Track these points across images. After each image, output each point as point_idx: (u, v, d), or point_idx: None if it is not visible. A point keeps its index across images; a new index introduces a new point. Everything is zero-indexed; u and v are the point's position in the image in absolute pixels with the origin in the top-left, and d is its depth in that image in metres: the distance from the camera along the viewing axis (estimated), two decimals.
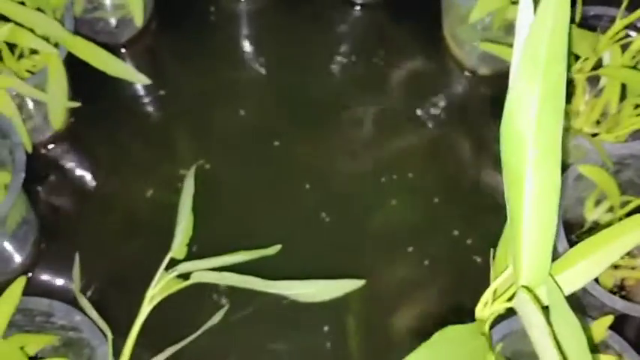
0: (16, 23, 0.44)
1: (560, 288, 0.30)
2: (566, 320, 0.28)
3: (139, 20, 0.47)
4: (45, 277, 0.53)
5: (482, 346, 0.29)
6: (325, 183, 0.59)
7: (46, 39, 0.46)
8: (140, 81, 0.46)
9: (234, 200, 0.57)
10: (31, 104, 0.52)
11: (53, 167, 0.57)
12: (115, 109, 0.60)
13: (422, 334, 0.27)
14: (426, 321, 0.54)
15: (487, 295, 0.31)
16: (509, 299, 0.31)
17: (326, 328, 0.52)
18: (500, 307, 0.30)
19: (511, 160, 0.29)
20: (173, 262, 0.43)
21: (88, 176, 0.58)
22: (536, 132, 0.28)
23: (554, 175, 0.28)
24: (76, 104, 0.48)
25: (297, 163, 0.60)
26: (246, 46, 0.66)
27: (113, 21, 0.61)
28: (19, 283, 0.40)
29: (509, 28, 0.58)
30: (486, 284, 0.41)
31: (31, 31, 0.44)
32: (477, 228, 0.58)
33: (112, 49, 0.55)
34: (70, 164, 0.58)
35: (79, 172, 0.58)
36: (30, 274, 0.53)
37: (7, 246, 0.49)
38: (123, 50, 0.63)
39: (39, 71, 0.49)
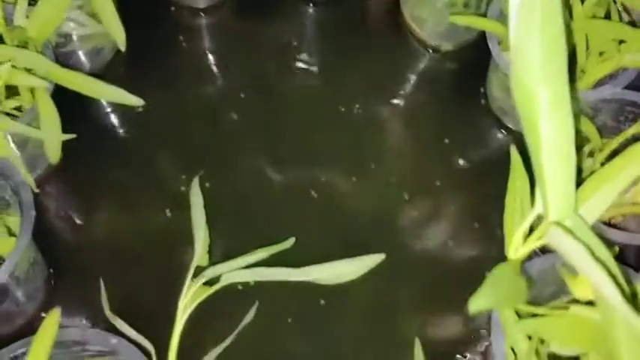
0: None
1: (583, 220, 0.32)
2: (594, 248, 0.31)
3: (121, 45, 0.48)
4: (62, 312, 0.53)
5: (523, 283, 0.31)
6: (313, 172, 0.61)
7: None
8: (134, 103, 0.47)
9: (234, 211, 0.58)
10: (13, 146, 0.52)
11: (47, 205, 0.57)
12: (96, 138, 0.60)
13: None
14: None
15: (517, 238, 0.33)
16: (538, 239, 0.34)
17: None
18: (533, 245, 0.33)
19: (525, 109, 0.31)
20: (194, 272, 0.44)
21: (82, 209, 0.58)
22: (543, 77, 0.30)
23: (566, 115, 0.30)
24: (72, 136, 0.48)
25: (285, 163, 0.61)
26: (213, 59, 0.67)
27: (82, 54, 0.61)
28: (54, 317, 0.40)
29: (469, 3, 0.61)
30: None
31: (27, 69, 0.44)
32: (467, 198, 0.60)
33: None
34: (63, 199, 0.58)
35: (73, 205, 0.58)
36: (46, 314, 0.53)
37: (22, 289, 0.49)
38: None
39: (27, 110, 0.49)
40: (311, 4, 0.70)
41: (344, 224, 0.58)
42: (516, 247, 0.33)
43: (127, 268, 0.55)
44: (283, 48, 0.68)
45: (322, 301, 0.54)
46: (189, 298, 0.43)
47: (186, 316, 0.43)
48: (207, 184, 0.57)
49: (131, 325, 0.44)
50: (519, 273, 0.31)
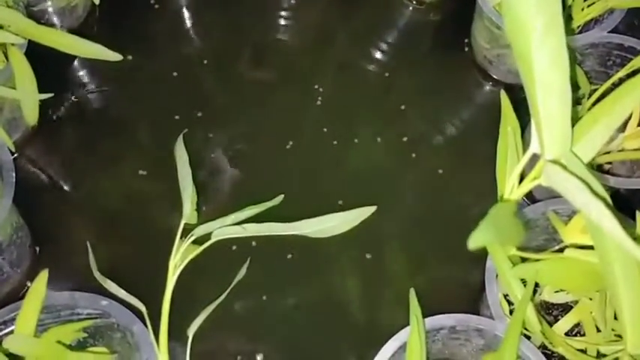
0: None
1: (579, 158, 0.32)
2: (591, 186, 0.30)
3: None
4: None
5: (520, 224, 0.31)
6: (299, 128, 0.60)
7: None
8: (112, 58, 0.45)
9: (220, 170, 0.57)
10: None
11: (28, 169, 0.56)
12: (73, 99, 0.59)
13: None
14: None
15: (512, 179, 0.33)
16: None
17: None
18: (528, 186, 0.32)
19: (517, 40, 0.30)
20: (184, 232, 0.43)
21: (64, 172, 0.57)
22: (536, 5, 0.29)
23: (561, 46, 0.30)
24: (49, 95, 0.47)
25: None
26: (189, 15, 0.65)
27: (54, 12, 0.59)
28: (42, 280, 0.39)
29: None
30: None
31: None
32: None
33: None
34: (44, 163, 0.56)
35: (55, 169, 0.56)
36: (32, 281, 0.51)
37: (7, 254, 0.48)
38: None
39: (1, 70, 0.47)
40: None
41: (335, 180, 0.57)
42: (511, 188, 0.32)
43: (113, 231, 0.54)
44: (264, 19, 0.66)
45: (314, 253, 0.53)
46: (179, 257, 0.42)
47: (177, 275, 0.42)
48: (191, 143, 0.55)
49: (121, 286, 0.43)
50: (516, 214, 0.31)
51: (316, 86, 0.62)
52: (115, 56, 0.45)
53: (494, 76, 0.64)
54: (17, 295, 0.51)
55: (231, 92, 0.61)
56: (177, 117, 0.59)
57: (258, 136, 0.59)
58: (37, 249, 0.53)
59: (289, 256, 0.53)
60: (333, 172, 0.58)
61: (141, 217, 0.54)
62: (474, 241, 0.24)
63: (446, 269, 0.55)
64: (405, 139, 0.60)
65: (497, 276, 0.43)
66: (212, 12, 0.66)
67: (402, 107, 0.62)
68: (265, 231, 0.42)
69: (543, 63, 0.30)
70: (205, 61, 0.62)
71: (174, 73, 0.61)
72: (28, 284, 0.51)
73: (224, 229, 0.42)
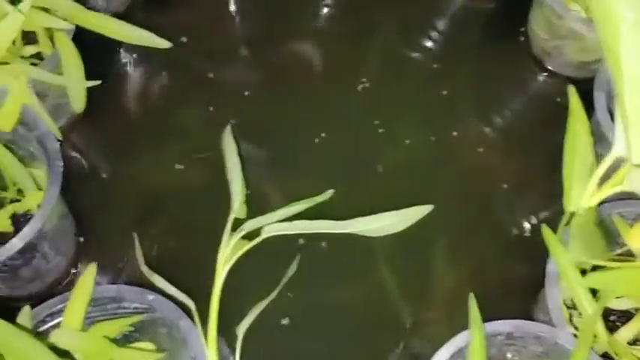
0: None
1: None
2: None
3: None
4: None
5: (600, 233, 0.29)
6: (349, 123, 0.58)
7: None
8: (160, 45, 0.44)
9: (270, 162, 0.55)
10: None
11: (73, 156, 0.55)
12: (119, 85, 0.57)
13: None
14: None
15: (592, 186, 0.31)
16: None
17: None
18: (611, 191, 0.30)
19: (605, 33, 0.28)
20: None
21: (110, 159, 0.55)
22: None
23: None
24: (96, 82, 0.46)
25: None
26: (235, 13, 0.64)
27: None
28: (90, 273, 0.38)
29: None
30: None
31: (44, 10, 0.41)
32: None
33: None
34: (89, 150, 0.56)
35: (100, 156, 0.56)
36: (76, 270, 0.51)
37: (52, 243, 0.47)
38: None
39: (48, 57, 0.46)
40: None
41: (385, 177, 0.55)
42: (590, 195, 0.30)
43: (158, 222, 0.52)
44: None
45: (364, 252, 0.51)
46: (229, 252, 0.41)
47: (226, 271, 0.41)
48: (239, 134, 0.54)
49: (167, 280, 0.42)
50: (597, 222, 0.29)
51: (362, 78, 0.60)
52: (163, 43, 0.44)
53: (551, 68, 0.61)
54: (61, 283, 0.50)
55: (273, 81, 0.59)
56: (221, 107, 0.57)
57: (299, 127, 0.57)
58: (82, 239, 0.52)
59: (336, 253, 0.51)
60: (379, 167, 0.56)
61: (185, 208, 0.53)
62: (558, 259, 0.22)
63: (496, 270, 0.52)
64: (454, 133, 0.58)
65: (558, 280, 0.41)
66: None
67: (452, 100, 0.59)
68: (316, 228, 0.40)
69: (633, 56, 0.28)
70: (247, 51, 0.61)
71: (219, 60, 0.60)
72: (73, 271, 0.51)
73: (274, 225, 0.41)
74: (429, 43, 0.63)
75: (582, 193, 0.36)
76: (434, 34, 0.63)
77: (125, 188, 0.53)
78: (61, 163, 0.43)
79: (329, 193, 0.45)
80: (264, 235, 0.40)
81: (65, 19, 0.42)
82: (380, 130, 0.57)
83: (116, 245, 0.51)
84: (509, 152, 0.57)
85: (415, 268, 0.51)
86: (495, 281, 0.52)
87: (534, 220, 0.54)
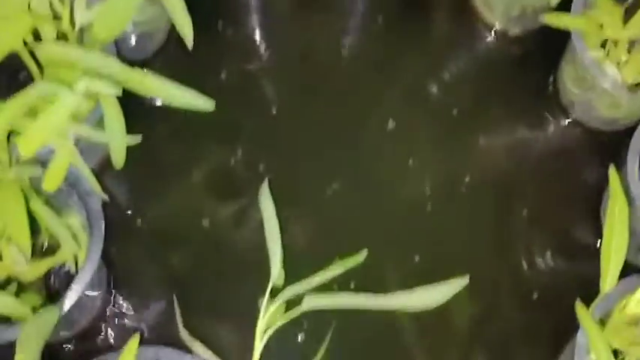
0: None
1: None
2: None
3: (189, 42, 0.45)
4: (122, 320, 0.52)
5: None
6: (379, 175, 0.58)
7: None
8: (204, 107, 0.44)
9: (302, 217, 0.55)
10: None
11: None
12: (151, 131, 0.57)
13: None
14: None
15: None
16: None
17: None
18: None
19: None
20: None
21: (142, 207, 0.56)
22: None
23: None
24: (137, 140, 0.46)
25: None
26: (258, 36, 0.64)
27: (133, 39, 0.58)
28: (134, 342, 0.39)
29: None
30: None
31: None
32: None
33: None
34: (120, 195, 0.56)
35: (131, 202, 0.56)
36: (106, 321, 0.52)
37: (89, 293, 0.48)
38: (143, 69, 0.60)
39: (91, 111, 0.46)
40: None
41: (417, 234, 0.55)
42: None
43: (191, 276, 0.53)
44: (337, 28, 0.64)
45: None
46: (267, 321, 0.41)
47: (264, 340, 0.41)
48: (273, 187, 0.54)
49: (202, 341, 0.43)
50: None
51: (381, 117, 0.60)
52: (207, 104, 0.44)
53: (579, 120, 0.61)
54: (88, 333, 0.51)
55: (295, 119, 0.59)
56: (253, 154, 0.57)
57: (323, 169, 0.57)
58: (112, 284, 0.52)
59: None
60: (404, 214, 0.56)
61: (223, 263, 0.53)
62: (591, 338, 0.23)
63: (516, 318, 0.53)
64: (477, 178, 0.58)
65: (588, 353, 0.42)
66: (281, 29, 0.63)
67: (476, 144, 0.60)
68: (357, 304, 0.41)
69: None
70: (279, 100, 0.60)
71: (250, 109, 0.59)
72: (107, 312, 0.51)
73: (315, 298, 0.41)
74: (451, 85, 0.62)
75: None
76: (464, 76, 0.63)
77: (159, 238, 0.54)
78: (103, 224, 0.44)
79: (363, 255, 0.46)
80: (304, 307, 0.41)
81: (111, 83, 0.42)
82: (402, 175, 0.58)
83: (149, 297, 0.51)
84: (534, 198, 0.58)
85: (439, 328, 0.52)
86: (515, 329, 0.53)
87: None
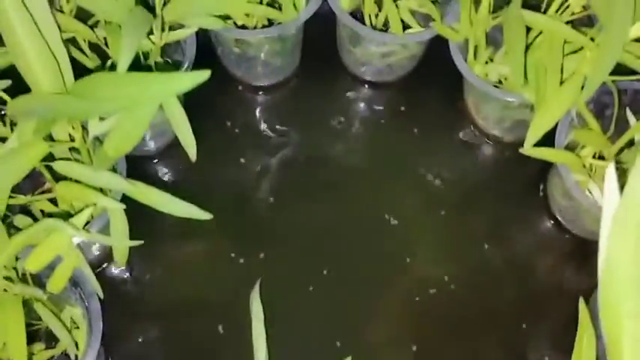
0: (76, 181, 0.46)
1: None
2: None
3: (192, 156, 0.48)
4: None
5: None
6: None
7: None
8: (202, 217, 0.48)
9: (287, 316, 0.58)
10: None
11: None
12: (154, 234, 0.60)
13: None
14: None
15: None
16: None
17: None
18: None
19: (609, 322, 0.31)
20: None
21: (139, 295, 0.59)
22: (631, 293, 0.30)
23: None
24: (139, 242, 0.49)
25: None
26: (269, 129, 0.67)
27: (147, 135, 0.62)
28: None
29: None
30: None
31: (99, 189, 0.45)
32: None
33: (147, 159, 0.62)
34: (123, 287, 0.59)
35: (134, 292, 0.59)
36: None
37: None
38: (155, 160, 0.64)
39: (98, 216, 0.50)
40: (366, 86, 0.69)
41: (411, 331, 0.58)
42: None
43: None
44: (336, 130, 0.67)
45: None
46: None
47: None
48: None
49: None
50: None
51: (394, 216, 0.63)
52: (205, 216, 0.48)
53: (568, 227, 0.63)
54: None
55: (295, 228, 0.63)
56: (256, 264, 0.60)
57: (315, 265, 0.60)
58: None
59: None
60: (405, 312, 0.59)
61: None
62: None
63: None
64: (472, 281, 0.60)
65: None
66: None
67: (465, 247, 0.62)
68: None
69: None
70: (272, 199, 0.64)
71: (248, 207, 0.63)
72: None
73: None
74: (440, 187, 0.65)
75: None
76: (456, 180, 0.66)
77: (159, 330, 0.57)
78: (101, 324, 0.47)
79: None
80: None
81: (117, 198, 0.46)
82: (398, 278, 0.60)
83: None
84: (525, 304, 0.60)
85: None
86: None
87: None
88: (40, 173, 0.48)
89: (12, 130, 0.48)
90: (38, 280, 0.48)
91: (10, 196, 0.47)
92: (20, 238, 0.41)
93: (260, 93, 0.69)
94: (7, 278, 0.43)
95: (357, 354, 0.55)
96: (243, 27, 0.62)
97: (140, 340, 0.57)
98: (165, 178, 0.64)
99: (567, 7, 0.56)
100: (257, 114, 0.68)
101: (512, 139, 0.67)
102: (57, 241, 0.41)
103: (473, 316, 0.59)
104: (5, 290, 0.43)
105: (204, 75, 0.34)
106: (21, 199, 0.50)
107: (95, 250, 0.57)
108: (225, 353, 0.56)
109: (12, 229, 0.47)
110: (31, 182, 0.54)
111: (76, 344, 0.50)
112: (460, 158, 0.67)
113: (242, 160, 0.65)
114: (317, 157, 0.66)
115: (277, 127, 0.67)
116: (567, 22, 0.54)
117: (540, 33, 0.56)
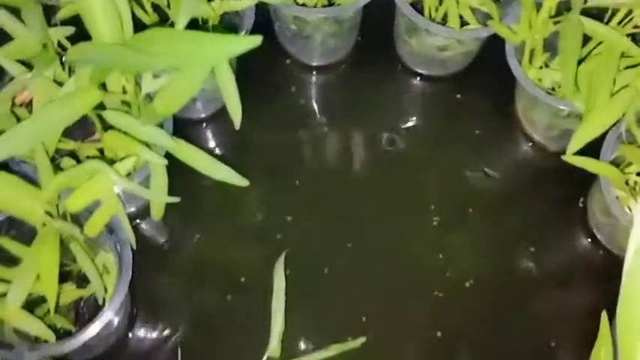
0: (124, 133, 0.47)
1: None
2: None
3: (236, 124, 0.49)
4: (141, 340, 0.57)
5: None
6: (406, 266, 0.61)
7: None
8: (241, 183, 0.49)
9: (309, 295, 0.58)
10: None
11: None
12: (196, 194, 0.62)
13: None
14: None
15: None
16: None
17: None
18: None
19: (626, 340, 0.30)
20: None
21: (170, 248, 0.61)
22: None
23: None
24: (176, 199, 0.51)
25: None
26: (315, 108, 0.68)
27: (198, 101, 0.63)
28: None
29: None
30: None
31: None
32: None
33: (195, 122, 0.63)
34: (152, 236, 0.61)
35: (160, 243, 0.61)
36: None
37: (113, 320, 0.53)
38: (201, 125, 0.66)
39: (139, 169, 0.52)
40: (417, 78, 0.69)
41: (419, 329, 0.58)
42: None
43: (202, 325, 0.57)
44: (382, 118, 0.68)
45: None
46: None
47: None
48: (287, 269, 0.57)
49: None
50: None
51: (419, 206, 0.63)
52: (242, 182, 0.49)
53: (604, 244, 0.62)
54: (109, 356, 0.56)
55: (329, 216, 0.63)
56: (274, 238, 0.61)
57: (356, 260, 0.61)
58: (135, 310, 0.58)
59: None
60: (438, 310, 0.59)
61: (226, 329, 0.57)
62: None
63: None
64: (506, 295, 0.60)
65: None
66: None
67: (502, 252, 0.62)
68: None
69: None
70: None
71: (280, 201, 0.63)
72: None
73: None
74: (483, 186, 0.65)
75: None
76: (500, 186, 0.65)
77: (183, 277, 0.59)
78: (130, 272, 0.48)
79: (360, 341, 0.49)
80: None
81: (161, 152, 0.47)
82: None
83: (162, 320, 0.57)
84: (551, 316, 0.60)
85: None
86: None
87: None
88: (91, 123, 0.50)
89: (70, 75, 0.50)
90: (77, 223, 0.50)
91: (60, 141, 0.49)
92: (64, 176, 0.42)
93: (311, 72, 0.69)
94: (48, 213, 0.45)
95: (380, 332, 0.55)
96: (304, 5, 0.63)
97: (164, 295, 0.59)
98: (209, 143, 0.65)
99: (631, 19, 0.55)
100: (305, 92, 0.69)
101: (557, 149, 0.66)
102: (99, 183, 0.42)
103: (492, 319, 0.59)
104: (44, 225, 0.45)
105: (256, 40, 0.35)
106: (70, 144, 0.52)
107: (130, 207, 0.59)
108: (244, 319, 0.57)
109: (58, 171, 0.49)
110: (82, 131, 0.56)
111: (105, 289, 0.52)
112: (503, 160, 0.67)
113: (284, 134, 0.66)
114: (358, 141, 0.66)
115: (323, 107, 0.68)
116: (628, 35, 0.53)
117: (600, 43, 0.55)
